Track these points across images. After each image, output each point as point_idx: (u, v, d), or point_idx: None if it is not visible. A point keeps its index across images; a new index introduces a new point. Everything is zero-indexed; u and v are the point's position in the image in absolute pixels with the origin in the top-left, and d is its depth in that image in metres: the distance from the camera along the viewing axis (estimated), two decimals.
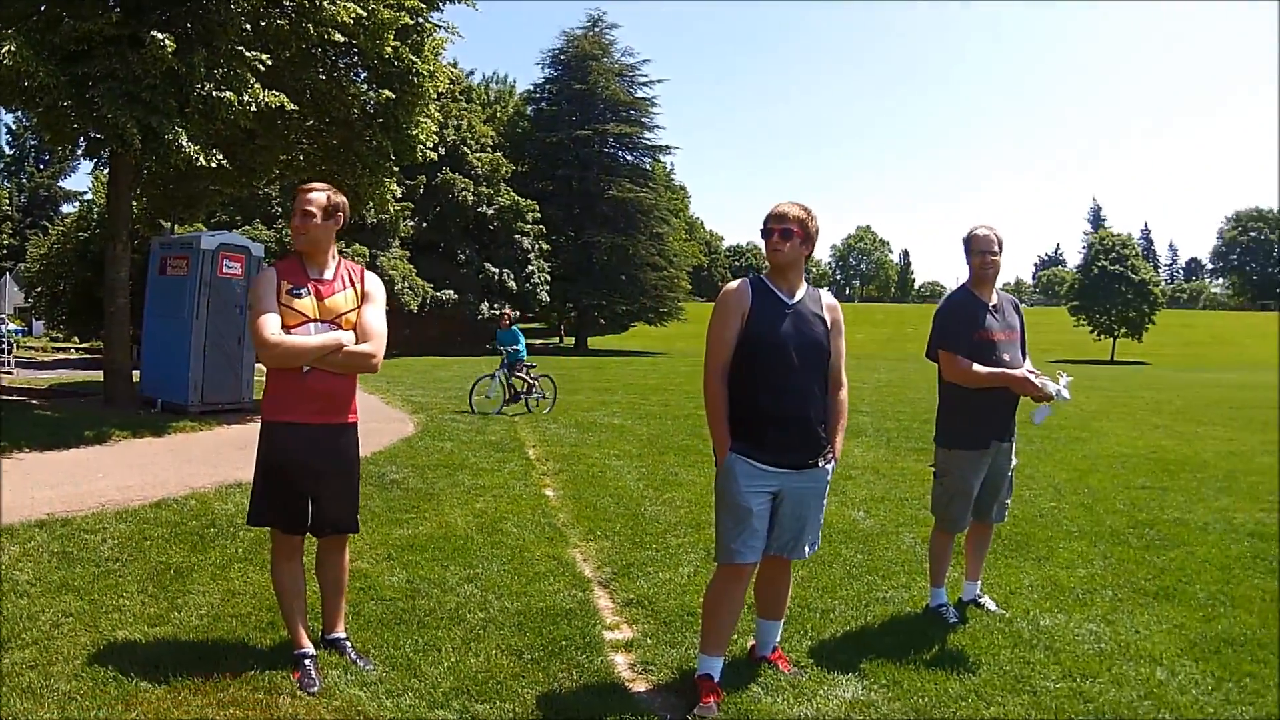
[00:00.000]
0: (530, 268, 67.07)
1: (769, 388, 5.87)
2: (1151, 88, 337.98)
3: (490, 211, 64.52)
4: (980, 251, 7.50)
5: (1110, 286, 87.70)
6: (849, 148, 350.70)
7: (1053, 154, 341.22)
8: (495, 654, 6.38)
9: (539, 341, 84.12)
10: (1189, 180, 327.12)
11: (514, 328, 23.56)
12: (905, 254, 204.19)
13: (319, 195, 6.06)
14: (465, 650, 6.41)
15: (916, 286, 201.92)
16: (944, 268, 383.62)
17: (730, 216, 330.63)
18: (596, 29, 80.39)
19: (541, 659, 6.33)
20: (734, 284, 6.04)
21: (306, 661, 5.96)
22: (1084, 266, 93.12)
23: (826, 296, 6.25)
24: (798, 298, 6.03)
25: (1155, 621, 7.60)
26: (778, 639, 6.56)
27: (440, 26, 21.88)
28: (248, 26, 17.43)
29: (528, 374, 22.98)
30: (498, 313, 62.21)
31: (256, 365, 20.11)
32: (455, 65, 23.57)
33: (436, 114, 22.99)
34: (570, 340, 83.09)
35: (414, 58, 20.43)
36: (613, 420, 20.18)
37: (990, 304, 7.56)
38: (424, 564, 8.43)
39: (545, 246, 69.02)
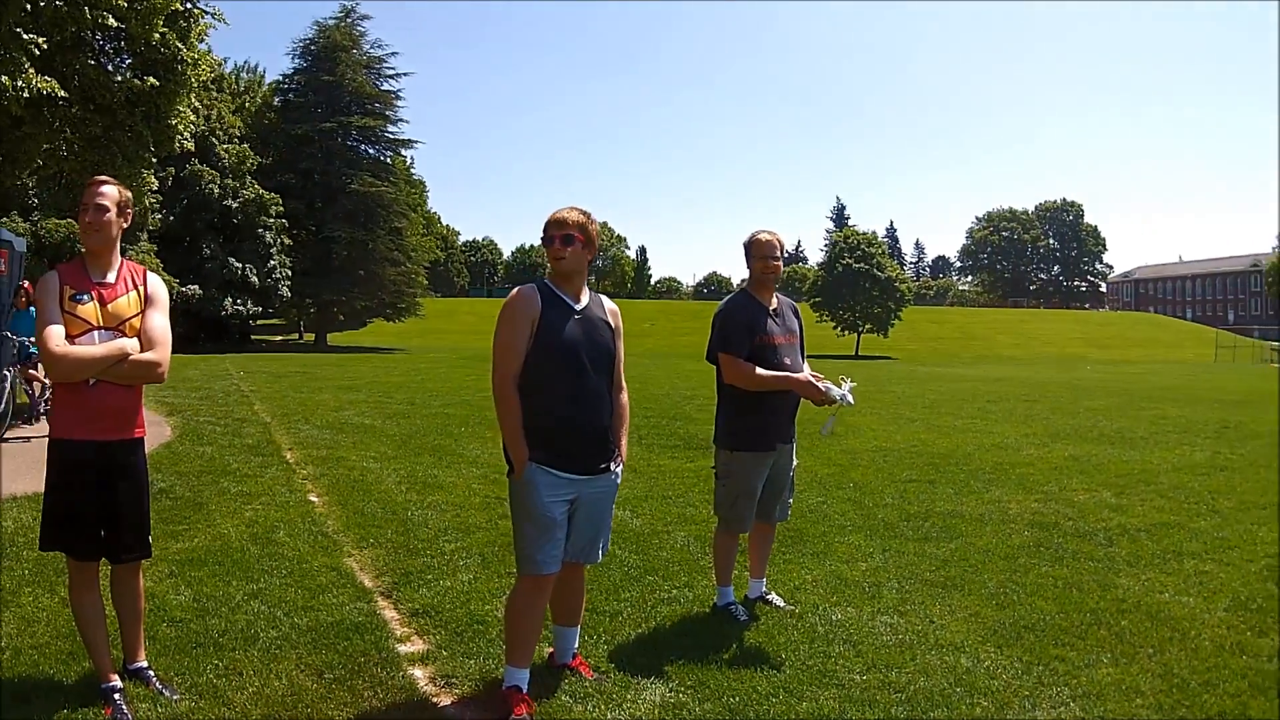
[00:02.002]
0: (272, 263, 66.25)
1: (564, 395, 5.82)
2: (895, 88, 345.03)
3: (235, 205, 63.51)
4: (762, 256, 7.55)
5: (855, 283, 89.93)
6: (585, 144, 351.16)
7: (795, 153, 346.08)
8: (297, 675, 6.15)
9: (279, 338, 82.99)
10: (936, 180, 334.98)
11: (33, 309, 16.60)
12: (642, 250, 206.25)
13: (112, 189, 5.68)
14: (267, 673, 6.15)
15: (653, 283, 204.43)
16: (681, 264, 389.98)
17: (467, 211, 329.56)
18: (349, 20, 79.52)
19: (344, 677, 6.13)
20: (522, 290, 5.95)
21: (116, 696, 5.62)
22: (827, 264, 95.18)
23: (608, 302, 6.27)
24: (584, 303, 6.03)
25: (948, 611, 7.75)
26: (576, 645, 6.48)
27: (207, 12, 21.49)
28: (28, 6, 16.77)
29: (45, 376, 16.99)
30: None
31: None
32: (209, 52, 23.14)
33: (196, 103, 22.57)
34: (310, 337, 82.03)
35: (180, 44, 20.02)
36: (363, 420, 19.80)
37: (771, 308, 7.61)
38: (207, 580, 8.09)
39: (287, 241, 68.19)
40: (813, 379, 7.36)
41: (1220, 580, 8.86)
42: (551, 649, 6.49)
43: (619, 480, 6.23)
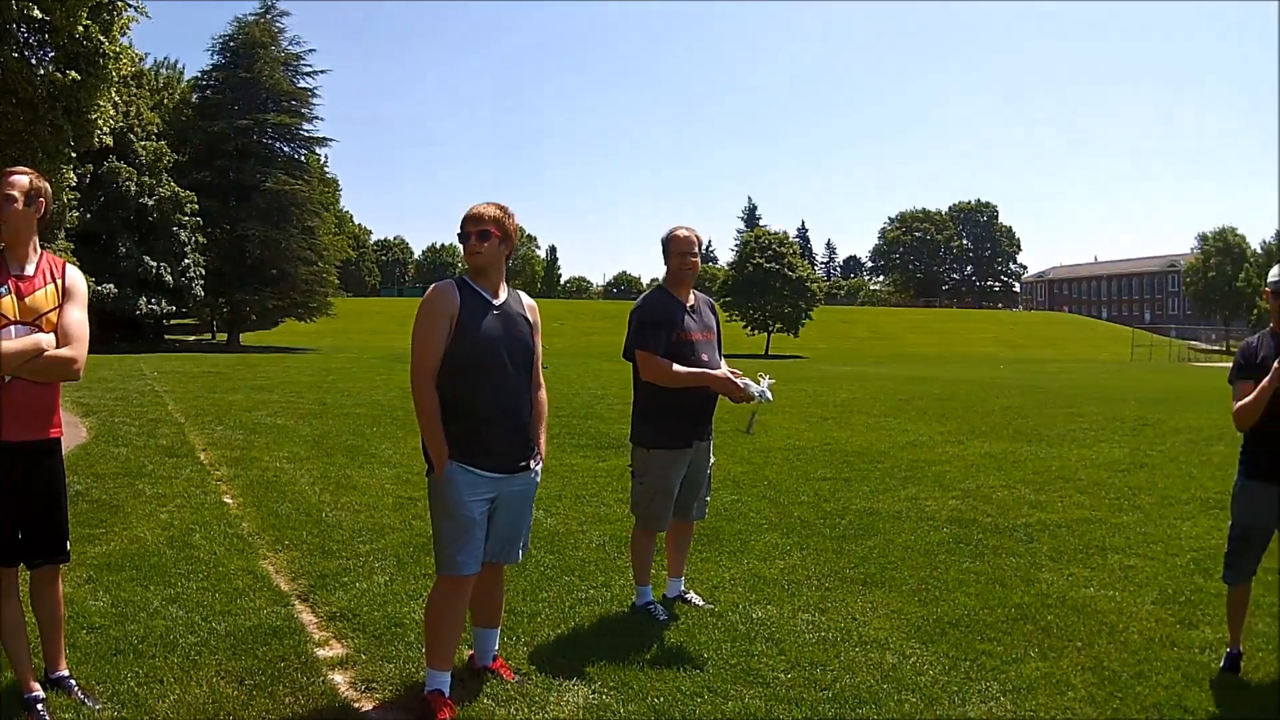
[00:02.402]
0: (186, 261, 65.57)
1: (484, 391, 5.79)
2: (809, 87, 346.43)
3: (151, 203, 62.76)
4: (680, 253, 7.55)
5: (765, 283, 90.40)
6: (496, 143, 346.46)
7: (706, 152, 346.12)
8: (217, 681, 6.05)
9: (193, 338, 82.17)
10: (849, 181, 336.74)
11: None
12: (552, 249, 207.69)
13: (21, 179, 5.52)
14: (187, 680, 6.05)
15: (563, 282, 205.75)
16: (591, 264, 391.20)
17: (379, 210, 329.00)
18: (268, 16, 78.86)
19: (264, 683, 6.04)
20: (440, 286, 5.91)
21: (39, 706, 5.50)
22: (737, 263, 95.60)
23: (526, 298, 6.23)
24: (502, 298, 5.99)
25: (870, 608, 7.80)
26: (496, 647, 6.43)
27: (130, 4, 21.31)
28: None
29: None
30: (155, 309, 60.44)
31: None
32: (130, 46, 22.96)
33: (116, 98, 22.40)
34: (223, 337, 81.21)
35: (102, 38, 19.83)
36: (276, 420, 19.50)
37: (688, 304, 7.60)
38: (125, 585, 7.94)
39: (201, 240, 67.49)
40: (731, 375, 7.38)
41: (1146, 574, 8.99)
42: (471, 651, 6.43)
43: (538, 479, 6.23)
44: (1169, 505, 12.12)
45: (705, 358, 7.49)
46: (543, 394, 6.29)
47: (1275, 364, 6.36)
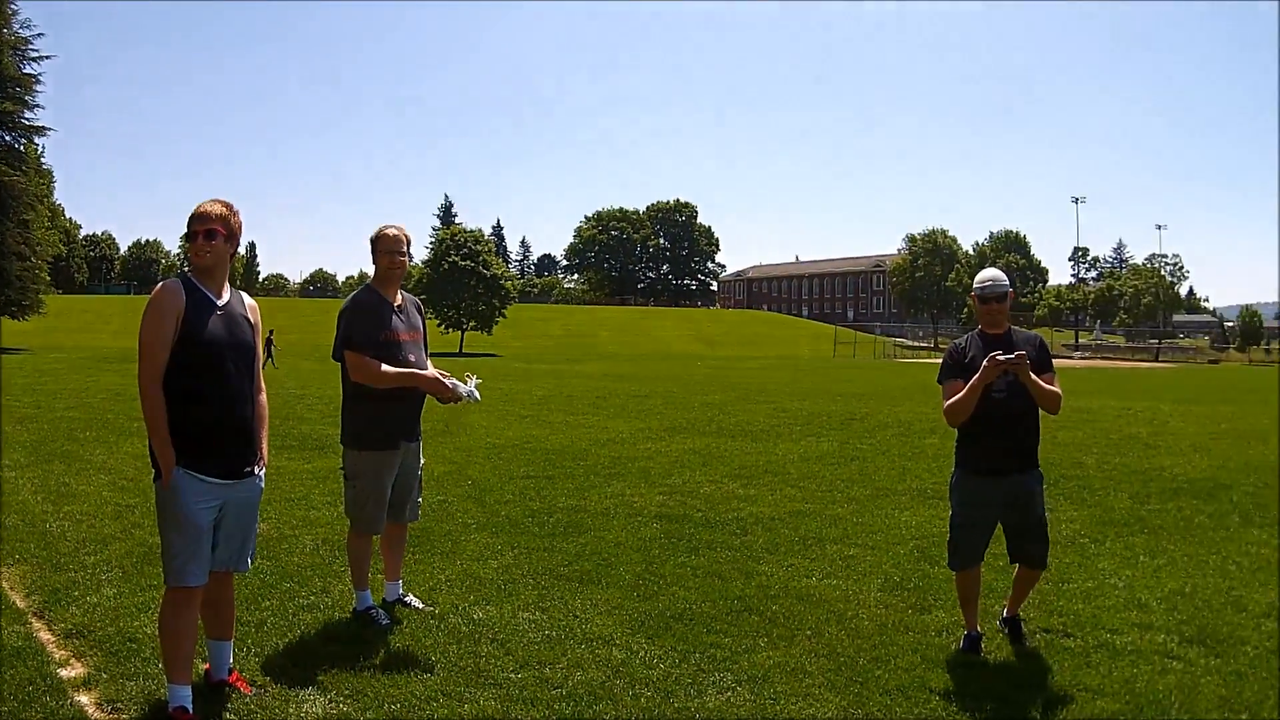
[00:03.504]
0: None
1: (209, 394, 5.75)
2: (503, 87, 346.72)
3: None
4: (389, 251, 7.65)
5: (460, 280, 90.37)
6: (189, 136, 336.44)
7: (402, 149, 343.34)
8: None
9: None
10: (543, 180, 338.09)
11: None
12: (251, 246, 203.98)
13: None
14: None
15: (261, 279, 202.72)
16: (288, 261, 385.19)
17: (87, 203, 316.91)
18: None
19: (17, 709, 5.90)
20: (167, 285, 5.83)
21: None
22: (432, 261, 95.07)
23: (247, 298, 6.22)
24: (226, 299, 5.96)
25: (590, 605, 7.97)
26: (231, 659, 6.37)
27: None
28: None
29: None
30: None
31: None
32: None
33: None
34: None
35: None
36: None
37: (395, 304, 7.70)
38: None
39: None
40: (439, 376, 7.53)
41: (869, 563, 9.40)
42: (206, 665, 6.32)
43: (263, 484, 6.21)
44: (884, 496, 12.70)
45: (413, 358, 7.62)
46: (264, 397, 6.25)
47: (985, 362, 6.73)
